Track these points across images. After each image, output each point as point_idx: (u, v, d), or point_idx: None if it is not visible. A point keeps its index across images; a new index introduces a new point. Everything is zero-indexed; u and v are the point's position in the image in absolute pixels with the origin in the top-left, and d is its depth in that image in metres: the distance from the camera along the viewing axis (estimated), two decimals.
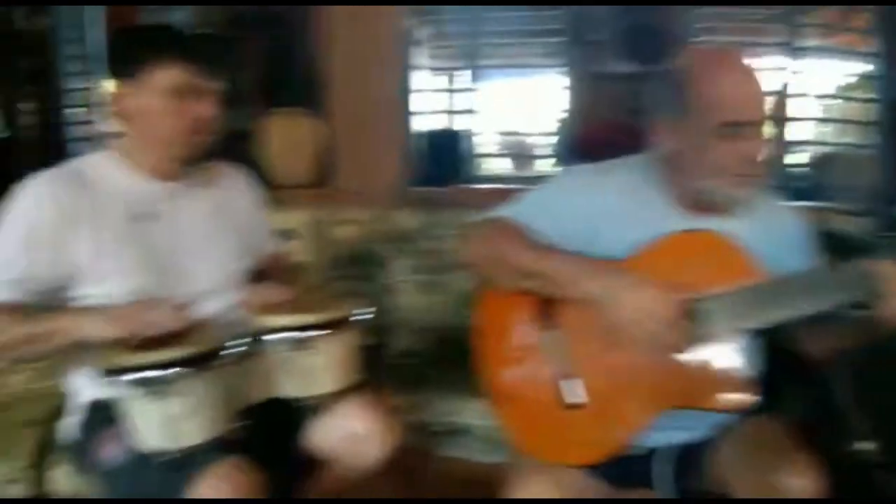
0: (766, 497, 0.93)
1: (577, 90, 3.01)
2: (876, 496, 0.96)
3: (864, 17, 2.70)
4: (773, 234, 1.06)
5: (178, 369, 0.89)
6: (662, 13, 2.89)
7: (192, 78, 1.06)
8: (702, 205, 1.03)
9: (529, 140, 3.17)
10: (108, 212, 1.07)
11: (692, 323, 0.94)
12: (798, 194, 2.52)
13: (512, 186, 2.44)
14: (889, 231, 1.72)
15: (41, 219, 1.01)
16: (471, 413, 1.54)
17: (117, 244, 1.07)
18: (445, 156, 2.57)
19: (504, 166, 3.21)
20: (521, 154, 3.20)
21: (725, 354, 0.97)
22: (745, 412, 0.99)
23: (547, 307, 1.04)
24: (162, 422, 0.91)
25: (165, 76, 1.05)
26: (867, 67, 2.70)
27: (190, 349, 0.92)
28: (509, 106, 3.11)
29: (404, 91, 2.36)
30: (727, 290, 0.96)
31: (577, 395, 1.01)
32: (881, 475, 0.98)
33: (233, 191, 1.29)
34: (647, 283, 0.93)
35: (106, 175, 1.11)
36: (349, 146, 2.23)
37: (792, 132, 2.75)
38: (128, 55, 1.08)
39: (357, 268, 2.02)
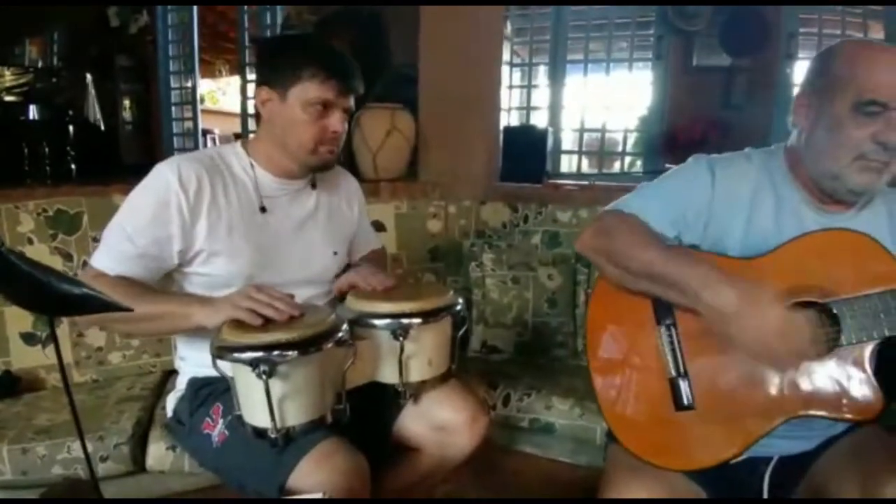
0: None
1: (667, 84, 2.91)
2: None
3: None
4: None
5: (285, 352, 0.92)
6: (757, 7, 2.74)
7: (333, 94, 1.12)
8: (829, 195, 0.99)
9: (615, 136, 3.08)
10: (230, 199, 1.14)
11: (824, 329, 0.90)
12: None
13: (599, 183, 2.40)
14: None
15: (169, 197, 1.07)
16: (553, 411, 1.51)
17: (231, 230, 1.13)
18: (535, 151, 2.54)
19: (589, 162, 3.15)
20: (606, 150, 3.12)
21: (855, 363, 0.91)
22: (871, 421, 0.92)
23: (663, 304, 1.00)
24: (267, 401, 0.95)
25: (311, 89, 1.11)
26: None
27: (296, 333, 0.95)
28: (596, 101, 3.03)
29: (494, 86, 2.34)
30: (864, 293, 0.90)
31: (688, 398, 0.97)
32: None
33: (344, 192, 1.35)
34: (775, 305, 0.88)
35: (233, 166, 1.18)
36: (439, 140, 2.24)
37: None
38: (281, 64, 1.13)
39: (443, 261, 2.04)
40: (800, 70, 2.68)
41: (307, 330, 0.97)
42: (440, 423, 1.17)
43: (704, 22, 2.88)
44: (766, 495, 1.03)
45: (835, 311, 0.91)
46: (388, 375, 1.11)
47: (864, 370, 0.90)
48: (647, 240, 0.99)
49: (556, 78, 2.98)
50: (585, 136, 3.03)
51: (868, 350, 0.91)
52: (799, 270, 0.94)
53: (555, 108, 2.98)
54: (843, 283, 0.91)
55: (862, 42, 1.02)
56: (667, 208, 1.04)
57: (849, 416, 0.91)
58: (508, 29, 2.89)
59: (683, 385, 0.98)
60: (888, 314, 0.89)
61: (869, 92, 0.89)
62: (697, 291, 0.91)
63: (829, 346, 0.92)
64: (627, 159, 3.13)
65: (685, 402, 0.97)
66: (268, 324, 0.98)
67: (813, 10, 2.69)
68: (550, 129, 2.71)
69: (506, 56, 2.82)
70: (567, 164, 3.11)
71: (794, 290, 0.92)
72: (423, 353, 1.10)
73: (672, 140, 2.81)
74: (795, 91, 1.03)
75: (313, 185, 1.27)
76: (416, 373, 1.11)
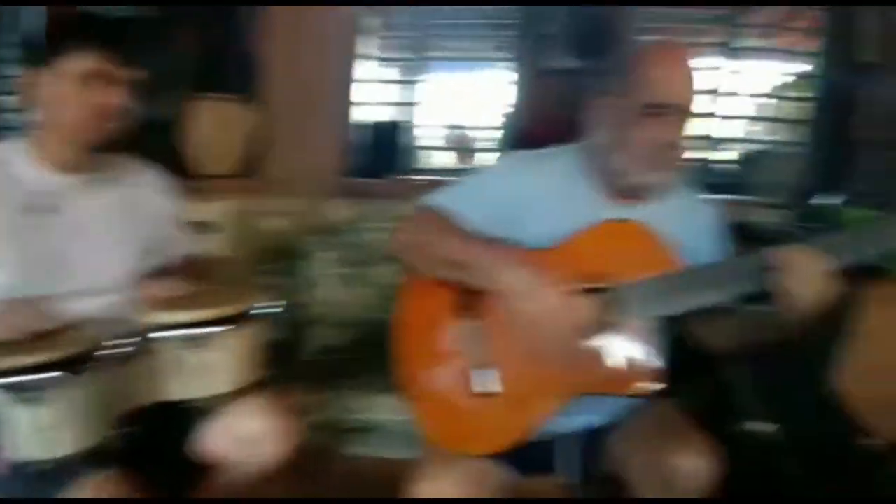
0: (660, 478, 0.96)
1: (522, 84, 3.01)
2: (768, 474, 0.99)
3: (807, 16, 2.82)
4: (688, 223, 1.10)
5: (49, 374, 0.83)
6: (607, 10, 2.91)
7: (102, 64, 1.03)
8: (624, 191, 1.07)
9: (473, 133, 3.14)
10: (2, 201, 1.02)
11: (607, 311, 0.97)
12: (728, 189, 2.62)
13: (452, 179, 2.41)
14: (807, 222, 1.77)
15: None
16: (386, 409, 1.53)
17: (2, 236, 1.01)
18: (387, 147, 2.53)
19: (448, 159, 3.19)
20: (464, 147, 3.18)
21: (636, 342, 1.00)
22: (650, 398, 1.02)
23: (467, 298, 1.05)
24: (34, 430, 0.85)
25: (75, 63, 1.02)
26: (805, 67, 2.78)
27: (61, 351, 0.85)
28: (454, 99, 3.08)
29: (345, 80, 2.29)
30: (643, 279, 0.99)
31: (490, 385, 1.02)
32: (774, 454, 1.01)
33: (141, 187, 1.23)
34: (559, 284, 0.95)
35: (7, 163, 1.06)
36: (284, 135, 2.16)
37: (726, 130, 2.81)
38: (40, 41, 1.05)
39: (280, 261, 1.97)
40: None
41: (74, 348, 0.88)
42: (245, 435, 1.11)
43: (561, 25, 3.01)
44: (577, 470, 1.11)
45: (616, 293, 0.99)
46: (181, 391, 1.03)
47: (642, 349, 1.00)
48: (451, 230, 1.05)
49: (418, 74, 2.98)
50: (453, 132, 3.07)
51: (645, 330, 1.00)
52: (587, 258, 1.02)
53: (415, 105, 2.98)
54: (625, 269, 1.00)
55: (653, 46, 1.10)
56: (476, 202, 1.09)
57: (629, 392, 1.01)
58: (374, 23, 2.86)
59: (486, 372, 1.03)
60: (663, 296, 0.98)
61: (656, 95, 0.98)
62: (492, 273, 0.97)
63: (612, 326, 1.00)
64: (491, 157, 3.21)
65: (484, 388, 1.03)
66: (32, 342, 0.89)
67: (660, 18, 2.89)
68: (411, 125, 2.72)
69: (372, 50, 2.79)
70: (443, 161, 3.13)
71: (583, 277, 1.00)
72: (221, 363, 1.03)
73: (532, 138, 2.91)
74: None
75: (106, 182, 1.15)
76: (213, 385, 1.04)
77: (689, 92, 1.01)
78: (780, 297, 0.90)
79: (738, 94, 2.81)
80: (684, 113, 1.01)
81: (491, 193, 1.10)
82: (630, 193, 1.07)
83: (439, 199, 1.11)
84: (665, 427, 1.03)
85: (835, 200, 1.72)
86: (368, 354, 1.73)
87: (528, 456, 1.07)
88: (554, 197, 1.09)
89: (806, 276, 0.87)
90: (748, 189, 2.49)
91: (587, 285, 1.00)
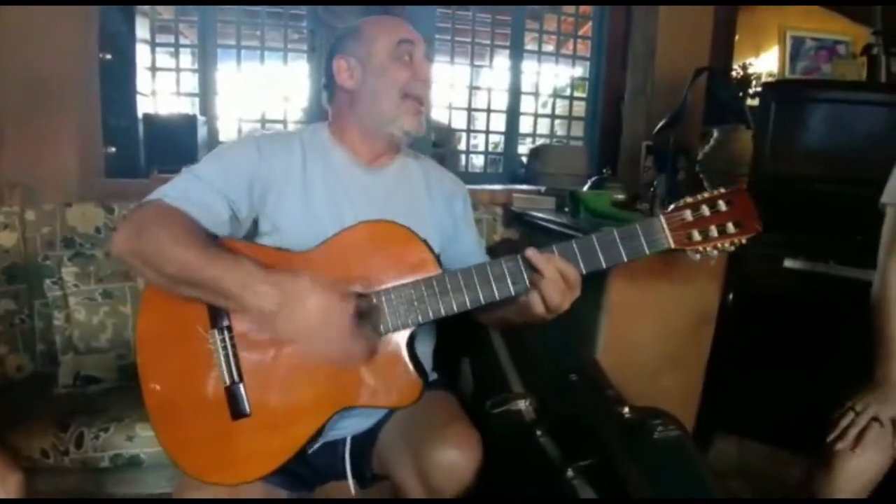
0: (419, 473, 0.95)
1: (321, 76, 2.90)
2: (532, 451, 1.02)
3: (586, 28, 3.09)
4: (434, 187, 1.15)
5: None
6: (403, 8, 2.93)
7: None
8: (378, 146, 1.09)
9: (273, 126, 2.98)
10: None
11: (368, 319, 0.91)
12: (519, 179, 2.81)
13: None
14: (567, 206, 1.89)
15: None
16: (136, 441, 1.32)
17: None
18: (168, 143, 2.26)
19: None
20: None
21: (394, 350, 0.94)
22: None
23: (216, 309, 0.93)
24: None
25: None
26: (585, 71, 3.07)
27: None
28: (250, 90, 2.88)
29: (89, 72, 1.96)
30: (403, 284, 0.94)
31: (244, 405, 0.91)
32: (536, 431, 1.05)
33: None
34: (319, 293, 0.87)
35: None
36: (15, 135, 1.78)
37: (520, 125, 3.00)
38: None
39: (23, 282, 1.64)
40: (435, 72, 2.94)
41: None
42: None
43: (353, 20, 2.95)
44: (349, 473, 1.06)
45: (375, 301, 0.92)
46: None
47: (402, 358, 0.93)
48: (183, 237, 0.88)
49: (207, 64, 2.72)
50: (246, 126, 2.85)
51: (405, 337, 0.94)
52: (345, 262, 0.94)
53: (207, 96, 2.72)
54: (384, 274, 0.94)
55: (371, 16, 1.13)
56: (210, 193, 0.96)
57: (388, 404, 0.96)
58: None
59: (239, 392, 0.91)
60: (421, 301, 0.93)
61: (398, 34, 1.05)
62: (238, 294, 0.86)
63: (372, 335, 0.92)
64: None
65: (241, 409, 0.92)
66: None
67: (457, 20, 2.97)
68: (202, 118, 2.47)
69: (147, 34, 2.48)
70: None
71: (342, 282, 0.92)
72: None
73: None
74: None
75: None
76: None
77: (420, 37, 1.09)
78: (530, 299, 0.91)
79: (530, 92, 3.01)
80: (423, 50, 1.07)
81: (230, 180, 0.99)
82: (390, 146, 1.10)
83: (168, 192, 0.94)
84: (424, 422, 1.01)
85: (590, 186, 1.90)
86: (127, 382, 1.51)
87: (308, 463, 1.02)
88: (307, 171, 1.05)
89: (555, 284, 0.89)
90: (539, 179, 2.66)
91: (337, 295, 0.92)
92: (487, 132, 3.05)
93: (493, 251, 1.47)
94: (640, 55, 2.37)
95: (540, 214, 1.76)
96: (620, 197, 1.66)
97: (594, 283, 1.43)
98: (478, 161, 3.15)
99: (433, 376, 1.15)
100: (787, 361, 1.52)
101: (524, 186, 2.44)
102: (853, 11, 2.57)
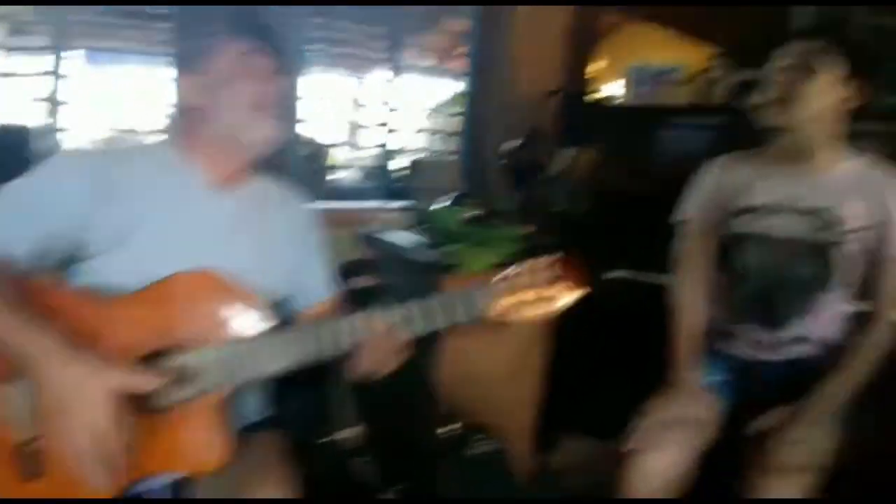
0: None
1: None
2: (353, 479, 1.01)
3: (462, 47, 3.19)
4: (280, 212, 1.12)
5: None
6: (274, 16, 2.85)
7: None
8: (229, 168, 1.04)
9: (132, 138, 2.77)
10: None
11: (177, 381, 0.86)
12: (395, 195, 2.82)
13: None
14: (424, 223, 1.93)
15: None
16: None
17: None
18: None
19: None
20: None
21: (205, 413, 0.89)
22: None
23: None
24: None
25: None
26: (460, 86, 3.11)
27: None
28: (108, 97, 2.66)
29: None
30: (220, 342, 0.90)
31: (36, 465, 0.84)
32: (362, 460, 1.04)
33: None
34: (110, 363, 0.81)
35: None
36: None
37: (394, 140, 3.01)
38: None
39: None
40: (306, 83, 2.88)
41: None
42: None
43: (219, 24, 2.83)
44: None
45: (189, 360, 0.87)
46: None
47: (209, 423, 0.88)
48: None
49: (63, 69, 2.47)
50: (101, 136, 2.62)
51: (218, 399, 0.89)
52: (160, 315, 0.89)
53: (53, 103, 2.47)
54: (202, 329, 0.90)
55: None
56: (25, 219, 0.89)
57: (191, 470, 0.90)
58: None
59: (32, 450, 0.84)
60: (240, 361, 0.89)
61: (242, 45, 1.03)
62: (29, 365, 0.79)
63: (173, 401, 0.87)
64: None
65: (33, 470, 0.84)
66: None
67: (333, 29, 2.92)
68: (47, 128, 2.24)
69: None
70: None
71: (152, 339, 0.88)
72: None
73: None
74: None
75: None
76: None
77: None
78: (359, 357, 0.93)
79: (405, 108, 3.03)
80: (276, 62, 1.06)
81: (53, 209, 0.91)
82: (236, 169, 1.05)
83: None
84: (243, 467, 0.97)
85: (447, 204, 1.94)
86: None
87: None
88: (152, 192, 0.99)
89: (384, 344, 0.91)
90: (412, 194, 2.67)
91: (151, 351, 0.88)
92: (361, 147, 3.03)
93: (347, 271, 1.46)
94: (497, 75, 2.48)
95: (391, 234, 1.78)
96: (476, 213, 1.71)
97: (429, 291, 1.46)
98: (352, 176, 3.13)
99: (264, 415, 1.11)
100: (618, 364, 1.65)
101: (377, 204, 2.45)
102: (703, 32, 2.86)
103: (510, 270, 0.96)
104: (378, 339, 0.90)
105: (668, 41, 4.32)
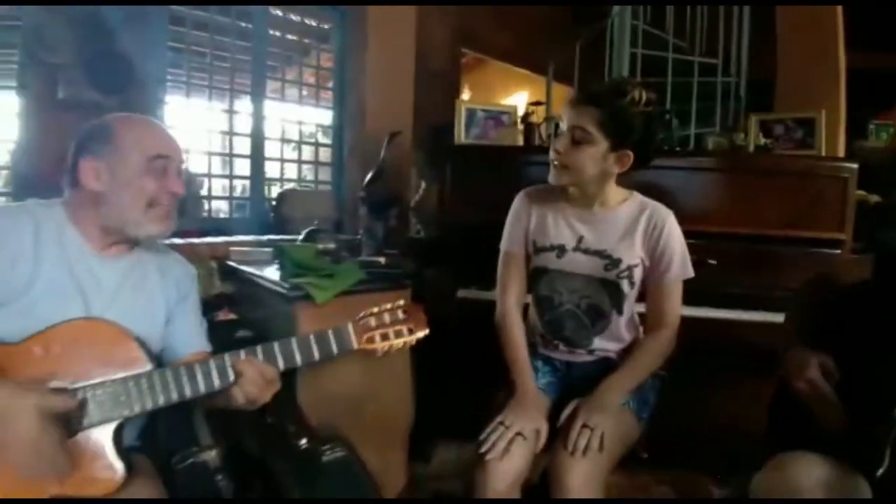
0: None
1: (32, 117, 2.62)
2: (213, 495, 1.11)
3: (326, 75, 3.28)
4: (166, 277, 1.21)
5: None
6: (133, 43, 2.81)
7: None
8: (114, 241, 1.12)
9: None
10: None
11: (70, 415, 0.94)
12: (268, 225, 2.88)
13: None
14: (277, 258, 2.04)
15: None
16: None
17: None
18: None
19: None
20: None
21: (97, 443, 0.98)
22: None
23: None
24: None
25: None
26: (327, 118, 3.24)
27: None
28: None
29: None
30: (112, 380, 0.99)
31: None
32: (219, 479, 1.14)
33: None
34: (27, 409, 0.88)
35: None
36: None
37: (264, 170, 3.06)
38: None
39: None
40: (170, 113, 2.86)
41: None
42: None
43: (69, 54, 2.74)
44: None
45: (81, 396, 0.97)
46: None
47: (104, 452, 0.98)
48: None
49: None
50: None
51: (110, 431, 0.99)
52: (59, 355, 0.98)
53: None
54: (94, 370, 1.00)
55: (127, 117, 1.15)
56: None
57: (87, 495, 0.96)
58: None
59: None
60: (128, 396, 0.99)
61: (154, 149, 1.09)
62: None
63: (75, 429, 0.96)
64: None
65: None
66: None
67: (180, 61, 2.93)
68: None
69: None
70: None
71: (52, 375, 0.97)
72: None
73: (42, 178, 2.56)
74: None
75: None
76: None
77: (179, 149, 1.16)
78: (233, 393, 1.04)
79: (275, 138, 3.09)
80: (179, 164, 1.15)
81: None
82: (121, 243, 1.13)
83: None
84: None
85: (299, 239, 2.08)
86: None
87: None
88: (40, 252, 1.04)
89: (255, 381, 1.03)
90: (285, 224, 2.76)
91: (52, 385, 0.96)
92: (231, 177, 3.04)
93: (209, 306, 1.53)
94: (353, 113, 2.64)
95: (249, 269, 1.88)
96: (329, 247, 1.86)
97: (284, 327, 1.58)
98: (224, 207, 3.12)
99: (138, 440, 1.17)
100: (479, 372, 1.81)
101: (246, 238, 2.54)
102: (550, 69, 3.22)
103: (373, 309, 1.13)
104: (251, 376, 1.02)
105: (519, 80, 4.76)
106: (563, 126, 1.38)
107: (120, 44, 2.79)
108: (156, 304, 1.17)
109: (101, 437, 0.97)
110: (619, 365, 1.43)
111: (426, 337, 1.19)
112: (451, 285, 2.01)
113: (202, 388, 1.02)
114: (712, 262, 1.98)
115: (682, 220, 1.44)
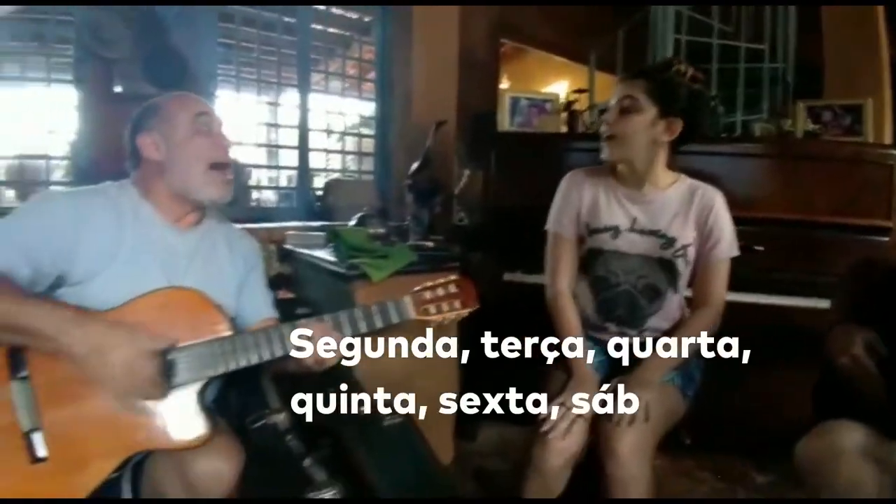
0: (184, 485, 1.03)
1: (92, 109, 2.75)
2: (287, 455, 1.19)
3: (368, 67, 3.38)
4: (234, 249, 1.29)
5: None
6: (185, 40, 2.92)
7: None
8: (185, 211, 1.19)
9: (35, 163, 2.75)
10: None
11: (165, 373, 1.02)
12: (315, 213, 2.97)
13: None
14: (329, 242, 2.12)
15: None
16: None
17: None
18: None
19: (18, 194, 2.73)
20: (25, 180, 2.75)
21: (190, 399, 1.06)
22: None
23: (14, 355, 1.00)
24: None
25: None
26: (369, 109, 3.31)
27: None
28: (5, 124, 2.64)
29: None
30: (198, 343, 1.07)
31: (41, 450, 0.98)
32: (289, 439, 1.22)
33: None
34: (127, 340, 0.99)
35: None
36: None
37: (313, 161, 3.16)
38: None
39: None
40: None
41: None
42: None
43: (126, 50, 2.86)
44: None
45: (170, 357, 1.04)
46: None
47: (193, 407, 1.05)
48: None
49: None
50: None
51: (197, 389, 1.06)
52: (147, 322, 1.04)
53: None
54: (181, 333, 1.07)
55: (168, 94, 1.23)
56: (21, 252, 1.03)
57: (177, 447, 1.04)
58: None
59: (37, 437, 0.98)
60: (213, 357, 1.07)
61: (195, 107, 1.17)
62: (55, 336, 0.96)
63: (167, 387, 1.03)
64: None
65: (38, 454, 0.98)
66: None
67: (230, 57, 3.04)
68: None
69: None
70: None
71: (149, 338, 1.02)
72: None
73: (101, 168, 2.69)
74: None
75: None
76: None
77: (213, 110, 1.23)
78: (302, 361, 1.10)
79: (323, 129, 3.19)
80: (219, 121, 1.21)
81: (42, 241, 1.05)
82: (190, 212, 1.20)
83: None
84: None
85: (353, 223, 2.16)
86: None
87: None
88: (121, 230, 1.11)
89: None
90: (331, 212, 2.84)
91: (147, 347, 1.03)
92: (278, 167, 3.14)
93: (270, 285, 1.62)
94: (398, 104, 2.70)
95: (307, 251, 1.96)
96: (380, 231, 1.94)
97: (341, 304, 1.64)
98: (271, 196, 3.23)
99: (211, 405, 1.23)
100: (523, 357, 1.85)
101: (300, 223, 2.62)
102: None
103: (427, 283, 1.19)
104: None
105: (559, 69, 4.76)
106: (612, 101, 1.43)
107: (173, 40, 2.91)
108: (225, 275, 1.24)
109: (188, 396, 1.05)
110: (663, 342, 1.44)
111: (473, 316, 1.24)
112: (496, 269, 2.06)
113: (279, 350, 1.09)
114: (759, 248, 1.97)
115: (728, 206, 1.45)
